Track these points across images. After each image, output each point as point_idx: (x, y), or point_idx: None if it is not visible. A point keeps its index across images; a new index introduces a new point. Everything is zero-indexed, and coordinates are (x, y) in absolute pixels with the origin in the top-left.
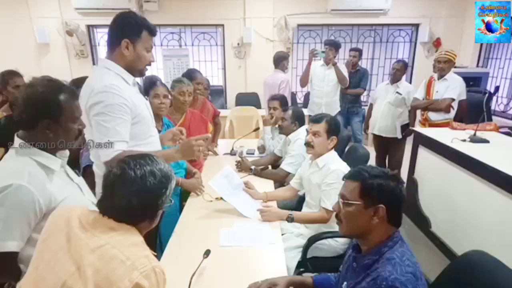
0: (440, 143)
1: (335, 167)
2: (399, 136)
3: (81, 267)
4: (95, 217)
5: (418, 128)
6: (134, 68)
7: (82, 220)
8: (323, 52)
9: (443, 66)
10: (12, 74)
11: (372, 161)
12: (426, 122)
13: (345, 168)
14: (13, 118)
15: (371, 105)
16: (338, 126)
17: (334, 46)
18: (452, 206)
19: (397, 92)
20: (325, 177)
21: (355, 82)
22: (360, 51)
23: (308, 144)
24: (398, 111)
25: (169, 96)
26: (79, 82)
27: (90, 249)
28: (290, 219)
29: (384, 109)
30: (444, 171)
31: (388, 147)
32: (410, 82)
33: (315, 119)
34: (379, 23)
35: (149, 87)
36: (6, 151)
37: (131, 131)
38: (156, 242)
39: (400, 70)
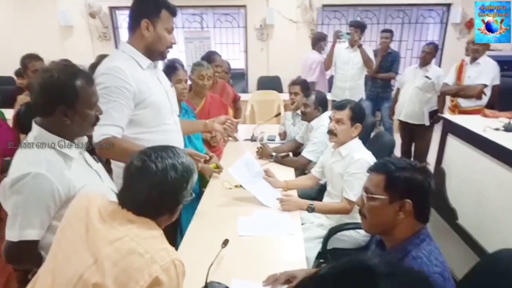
0: (471, 132)
1: (359, 156)
2: (427, 123)
3: (99, 259)
4: (114, 208)
5: (447, 115)
6: (155, 50)
7: (101, 210)
8: (348, 33)
9: (478, 48)
10: (31, 58)
11: (397, 149)
12: (456, 109)
13: (369, 157)
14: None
15: (398, 89)
16: (363, 112)
17: (359, 27)
18: (482, 199)
19: (426, 76)
20: (348, 167)
21: (386, 65)
22: (392, 32)
23: (331, 132)
24: (426, 97)
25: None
26: (97, 66)
27: (108, 241)
28: (311, 209)
29: (411, 94)
30: (474, 162)
31: (414, 135)
32: (440, 66)
33: (339, 106)
34: (408, 3)
35: (170, 73)
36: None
37: (138, 117)
38: (177, 230)
39: (430, 53)
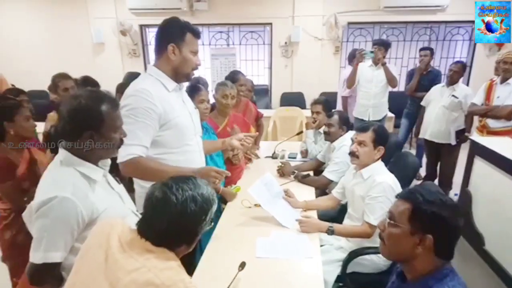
0: (500, 155)
1: (381, 179)
2: (453, 142)
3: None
4: (134, 237)
5: (475, 135)
6: (181, 72)
7: (121, 238)
8: (371, 52)
9: (509, 68)
10: (61, 77)
11: (422, 169)
12: (484, 129)
13: (392, 180)
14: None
15: (424, 108)
16: (386, 135)
17: (383, 45)
18: (511, 225)
19: (453, 96)
20: (370, 190)
21: (426, 84)
22: (432, 50)
23: (352, 154)
24: (453, 116)
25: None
26: (125, 86)
27: (126, 271)
28: (330, 232)
29: (438, 113)
30: (503, 186)
31: (440, 154)
32: (468, 85)
33: (361, 128)
34: (435, 20)
35: (193, 93)
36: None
37: (162, 138)
38: (197, 247)
39: (458, 72)
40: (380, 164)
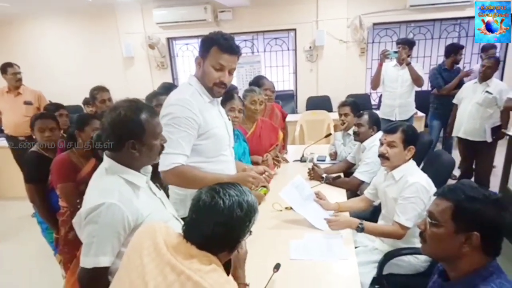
0: None
1: (413, 179)
2: (489, 139)
3: None
4: (179, 241)
5: None
6: (204, 85)
7: (167, 242)
8: (395, 52)
9: None
10: (99, 90)
11: (456, 168)
12: None
13: (425, 180)
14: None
15: (456, 106)
16: (416, 134)
17: (407, 44)
18: None
19: (487, 91)
20: (403, 191)
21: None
22: (461, 47)
23: (382, 156)
24: (487, 112)
25: (243, 110)
26: (158, 94)
27: (174, 274)
28: (360, 229)
29: (471, 110)
30: None
31: (475, 152)
32: (502, 80)
33: (390, 129)
34: (465, 16)
35: (226, 99)
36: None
37: (200, 147)
38: None
39: (491, 68)
40: (411, 164)
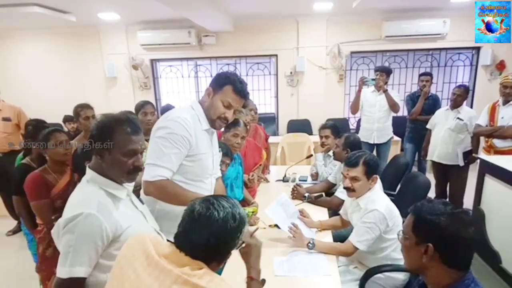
0: (510, 172)
1: (373, 207)
2: (461, 163)
3: None
4: (171, 250)
5: (483, 155)
6: (208, 115)
7: (158, 252)
8: (373, 79)
9: (510, 92)
10: (83, 107)
11: (432, 190)
12: (491, 149)
13: (385, 208)
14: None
15: (430, 131)
16: (376, 163)
17: (385, 72)
18: None
19: (458, 118)
20: (363, 216)
21: (428, 108)
22: (431, 75)
23: (348, 189)
24: (459, 137)
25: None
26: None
27: (172, 278)
28: (311, 246)
29: (444, 136)
30: None
31: (448, 175)
32: (471, 107)
33: (351, 163)
34: (436, 47)
35: (231, 125)
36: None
37: (183, 167)
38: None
39: (461, 96)
40: (375, 192)
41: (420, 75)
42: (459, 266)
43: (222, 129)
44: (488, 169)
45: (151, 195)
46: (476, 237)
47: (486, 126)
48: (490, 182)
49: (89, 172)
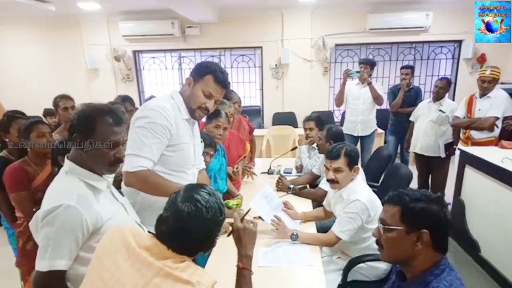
0: (489, 163)
1: (355, 197)
2: (443, 155)
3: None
4: (153, 243)
5: (462, 146)
6: (188, 105)
7: (139, 244)
8: (357, 72)
9: (488, 86)
10: (62, 97)
11: (414, 181)
12: (469, 141)
13: (367, 198)
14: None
15: (412, 123)
16: (357, 153)
17: (369, 64)
18: (504, 229)
19: (440, 110)
20: (346, 207)
21: (410, 100)
22: (412, 68)
23: (332, 181)
24: (441, 130)
25: (228, 128)
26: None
27: (151, 273)
28: (295, 237)
29: (426, 128)
30: (494, 192)
31: (430, 167)
32: (453, 100)
33: (333, 156)
34: (419, 40)
35: (213, 116)
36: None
37: (164, 157)
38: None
39: (443, 88)
40: (357, 182)
41: (401, 68)
42: (445, 248)
43: (204, 120)
44: (467, 159)
45: (133, 186)
46: (456, 226)
47: (464, 118)
48: (470, 173)
49: (68, 163)
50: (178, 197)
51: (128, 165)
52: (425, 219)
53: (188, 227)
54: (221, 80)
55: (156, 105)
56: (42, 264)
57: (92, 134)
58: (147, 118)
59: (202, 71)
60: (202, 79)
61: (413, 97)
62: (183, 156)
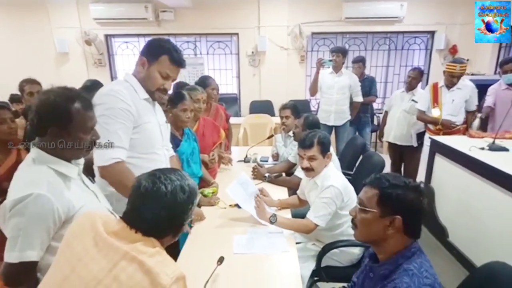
0: (457, 151)
1: (329, 183)
2: (415, 144)
3: (113, 271)
4: (121, 227)
5: (432, 136)
6: (145, 87)
7: (107, 229)
8: (330, 60)
9: (456, 81)
10: (28, 82)
11: (387, 169)
12: (440, 131)
13: (341, 184)
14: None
15: (386, 112)
16: (329, 140)
17: (340, 52)
18: (471, 215)
19: (413, 100)
20: (320, 193)
21: (365, 90)
22: (363, 61)
23: (307, 170)
24: (413, 119)
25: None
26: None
27: (118, 256)
28: (274, 219)
29: (399, 117)
30: (462, 180)
31: (403, 155)
32: None
33: (307, 145)
34: (394, 30)
35: (178, 100)
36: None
37: (131, 141)
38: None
39: (416, 78)
40: (330, 169)
41: (352, 61)
42: (416, 235)
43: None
44: (437, 148)
45: (110, 181)
46: (426, 212)
47: (429, 108)
48: (439, 161)
49: (35, 151)
50: (143, 176)
51: (100, 160)
52: (399, 206)
53: (147, 203)
54: (177, 59)
55: (109, 89)
56: (12, 256)
57: (69, 125)
58: (104, 105)
59: (156, 51)
60: (157, 60)
61: (367, 86)
62: (150, 137)
